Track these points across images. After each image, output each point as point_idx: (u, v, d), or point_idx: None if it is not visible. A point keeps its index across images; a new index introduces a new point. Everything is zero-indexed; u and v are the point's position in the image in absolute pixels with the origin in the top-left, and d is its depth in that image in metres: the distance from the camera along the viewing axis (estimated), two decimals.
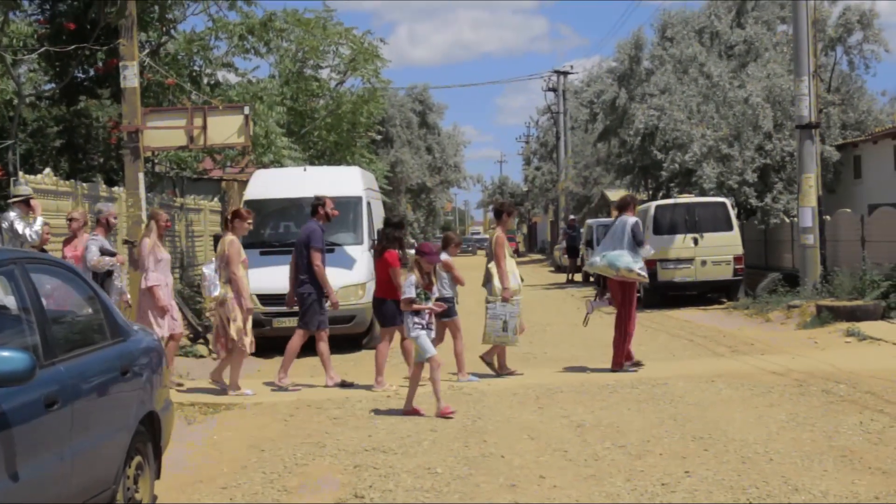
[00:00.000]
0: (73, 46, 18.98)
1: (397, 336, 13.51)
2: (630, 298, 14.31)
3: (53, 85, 21.54)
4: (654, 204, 27.26)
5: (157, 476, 7.60)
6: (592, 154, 51.31)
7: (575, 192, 56.56)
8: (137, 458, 7.09)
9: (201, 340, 17.41)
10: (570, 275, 40.16)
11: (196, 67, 23.86)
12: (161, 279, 13.32)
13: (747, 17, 36.72)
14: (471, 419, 11.02)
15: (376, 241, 14.51)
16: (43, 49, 19.18)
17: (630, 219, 14.37)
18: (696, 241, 25.14)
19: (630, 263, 14.06)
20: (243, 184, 24.01)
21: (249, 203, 18.46)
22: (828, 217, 23.86)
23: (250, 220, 13.93)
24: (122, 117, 17.52)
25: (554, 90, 62.26)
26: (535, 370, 14.71)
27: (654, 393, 12.27)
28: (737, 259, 25.16)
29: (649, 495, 7.85)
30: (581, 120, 50.92)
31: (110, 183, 19.46)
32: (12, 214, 13.14)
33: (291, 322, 16.51)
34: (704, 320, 21.78)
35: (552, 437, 9.96)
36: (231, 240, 13.25)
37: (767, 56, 34.02)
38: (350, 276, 17.40)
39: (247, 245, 14.72)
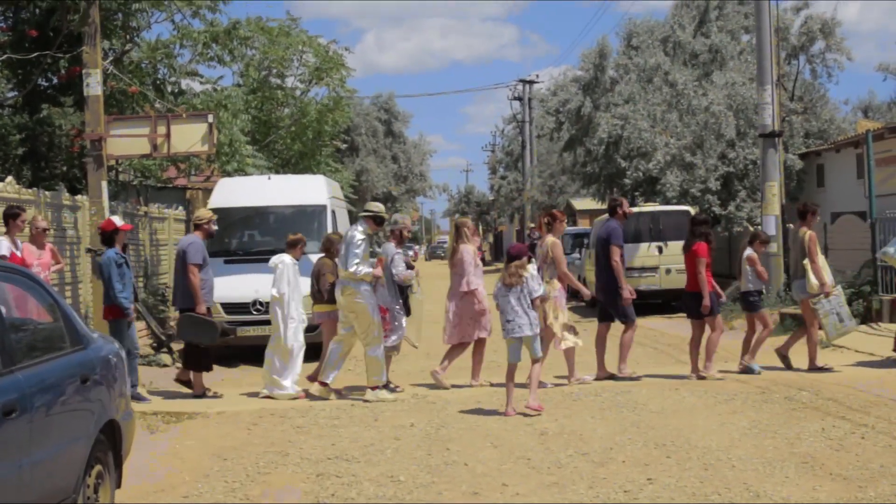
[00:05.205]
0: (35, 54, 18.87)
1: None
2: None
3: (16, 93, 21.40)
4: None
5: (118, 485, 7.55)
6: (558, 163, 51.52)
7: (540, 201, 56.75)
8: (98, 467, 7.04)
9: (164, 350, 17.26)
10: None
11: (160, 76, 23.75)
12: (480, 283, 13.54)
13: (711, 26, 37.02)
14: (434, 427, 10.99)
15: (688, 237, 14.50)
16: (5, 56, 19.05)
17: None
18: (660, 250, 25.25)
19: None
20: (208, 192, 23.90)
21: (213, 211, 18.31)
22: (791, 225, 23.99)
23: (564, 221, 14.21)
24: (84, 125, 17.43)
25: (520, 99, 62.33)
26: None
27: (617, 401, 12.28)
28: None
29: (612, 503, 7.87)
30: (547, 129, 51.13)
31: (73, 191, 19.33)
32: (360, 229, 13.00)
33: (256, 331, 16.44)
34: (669, 328, 21.85)
35: (515, 445, 9.96)
36: (554, 241, 13.53)
37: (731, 65, 34.32)
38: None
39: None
